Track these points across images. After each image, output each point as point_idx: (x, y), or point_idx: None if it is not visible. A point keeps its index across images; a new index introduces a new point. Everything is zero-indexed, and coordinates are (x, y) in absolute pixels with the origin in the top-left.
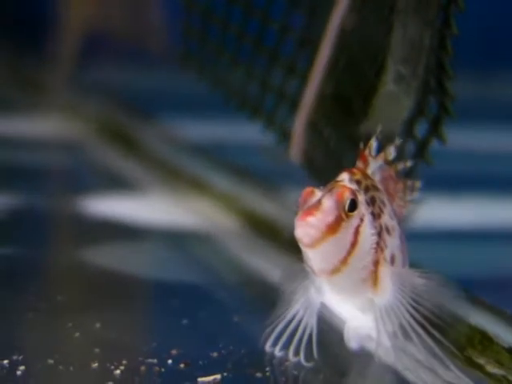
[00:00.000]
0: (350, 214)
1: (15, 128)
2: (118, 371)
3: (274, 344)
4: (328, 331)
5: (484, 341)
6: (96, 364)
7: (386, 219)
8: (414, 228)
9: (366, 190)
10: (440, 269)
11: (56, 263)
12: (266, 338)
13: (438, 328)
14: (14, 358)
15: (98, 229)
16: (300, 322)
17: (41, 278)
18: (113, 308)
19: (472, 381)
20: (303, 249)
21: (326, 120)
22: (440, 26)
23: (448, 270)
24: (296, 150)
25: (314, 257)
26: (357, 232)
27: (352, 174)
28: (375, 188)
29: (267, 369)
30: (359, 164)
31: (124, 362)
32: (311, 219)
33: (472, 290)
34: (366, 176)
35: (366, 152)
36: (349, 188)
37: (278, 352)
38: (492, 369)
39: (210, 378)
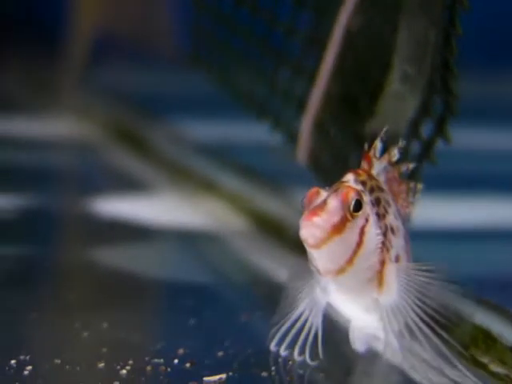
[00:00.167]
0: (355, 214)
1: (26, 129)
2: (124, 371)
3: (280, 344)
4: (333, 331)
5: (488, 340)
6: (103, 364)
7: (391, 219)
8: (417, 227)
9: (371, 190)
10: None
11: (65, 263)
12: (271, 337)
13: (443, 327)
14: (22, 357)
15: (108, 229)
16: (305, 321)
17: (50, 277)
18: (120, 308)
19: (478, 380)
20: (308, 249)
21: (332, 120)
22: (445, 26)
23: (451, 270)
24: (303, 150)
25: (319, 257)
26: (362, 232)
27: (357, 174)
28: (380, 189)
29: (273, 368)
30: (364, 165)
31: (130, 361)
32: (316, 219)
33: (476, 289)
34: (371, 177)
35: (371, 153)
36: (354, 188)
37: (283, 352)
38: (495, 368)
39: (216, 378)
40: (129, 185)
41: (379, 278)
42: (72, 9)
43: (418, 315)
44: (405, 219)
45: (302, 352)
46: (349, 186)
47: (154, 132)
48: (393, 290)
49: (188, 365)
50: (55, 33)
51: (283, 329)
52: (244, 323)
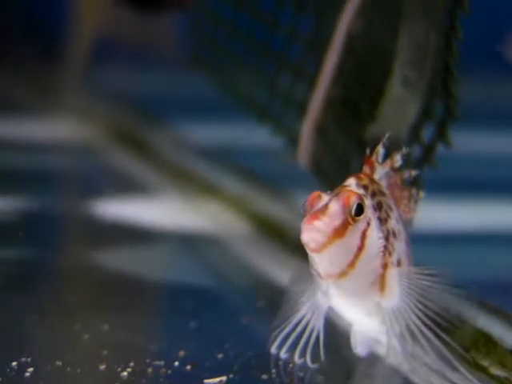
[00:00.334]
0: (357, 218)
1: (27, 131)
2: (125, 373)
3: (281, 347)
4: (334, 334)
5: (488, 343)
6: (104, 366)
7: (393, 224)
8: (419, 231)
9: (373, 195)
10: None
11: (66, 265)
12: (272, 340)
13: (445, 330)
14: (23, 359)
15: (109, 231)
16: (307, 325)
17: (51, 280)
18: (122, 310)
19: (479, 383)
20: (309, 253)
21: (333, 124)
22: (446, 29)
23: (452, 273)
24: (304, 153)
25: (321, 261)
26: (364, 236)
27: (359, 179)
28: (382, 193)
29: (273, 371)
30: (366, 169)
31: (131, 363)
32: (317, 223)
33: (477, 292)
34: (372, 181)
35: (373, 158)
36: (355, 193)
37: (284, 354)
38: (495, 371)
39: (216, 380)
40: (130, 187)
41: (381, 281)
42: (73, 10)
43: (419, 319)
44: (406, 224)
45: (302, 355)
46: (350, 190)
47: (156, 135)
48: (395, 294)
49: (189, 367)
50: (56, 34)
51: (284, 332)
52: (245, 326)
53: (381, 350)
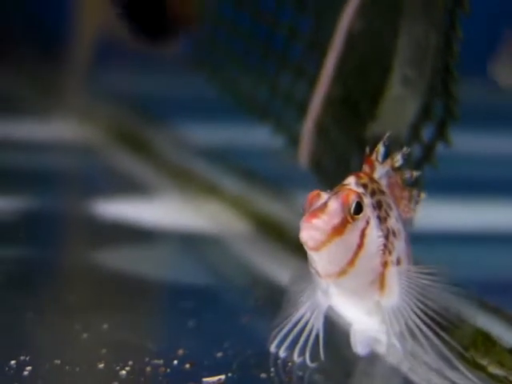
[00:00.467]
0: (356, 216)
1: (28, 131)
2: (123, 371)
3: (280, 345)
4: (334, 333)
5: (487, 342)
6: (102, 364)
7: (393, 222)
8: (419, 230)
9: (373, 193)
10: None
11: (67, 265)
12: (271, 339)
13: (444, 329)
14: (22, 358)
15: (109, 231)
16: (306, 324)
17: (51, 279)
18: (121, 309)
19: (479, 381)
20: (308, 251)
21: (333, 123)
22: (446, 29)
23: (452, 272)
24: (304, 153)
25: (319, 259)
26: (363, 234)
27: (359, 177)
28: (381, 192)
29: (272, 370)
30: (365, 168)
31: (130, 362)
32: (316, 221)
33: (476, 292)
34: (372, 180)
35: (373, 157)
36: (354, 191)
37: (283, 353)
38: (494, 370)
39: (215, 379)
40: (131, 187)
41: (381, 280)
42: (75, 11)
43: (419, 317)
44: (406, 223)
45: (301, 354)
46: (349, 189)
47: (156, 135)
48: (394, 293)
49: (187, 366)
50: (57, 34)
51: (284, 331)
52: (244, 325)
53: (381, 349)
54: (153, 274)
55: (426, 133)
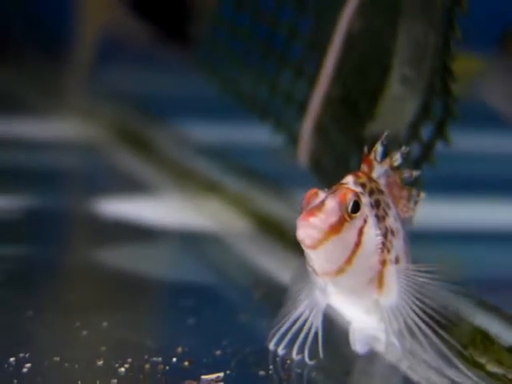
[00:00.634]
0: (353, 215)
1: (31, 130)
2: (122, 369)
3: (278, 343)
4: (333, 331)
5: (486, 340)
6: (101, 362)
7: (391, 221)
8: (417, 229)
9: (371, 192)
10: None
11: (68, 263)
12: (270, 337)
13: (443, 327)
14: (21, 355)
15: (111, 229)
16: (305, 322)
17: (53, 277)
18: (121, 307)
19: (478, 380)
20: (305, 250)
21: (333, 122)
22: (444, 28)
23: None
24: (304, 152)
25: (316, 257)
26: (360, 233)
27: (357, 176)
28: (380, 191)
29: (270, 367)
30: (364, 167)
31: (129, 359)
32: (313, 220)
33: (475, 290)
34: (370, 179)
35: (371, 156)
36: (352, 190)
37: (282, 351)
38: (492, 368)
39: (213, 376)
40: (132, 186)
41: (379, 279)
42: (77, 10)
43: (418, 316)
44: (405, 222)
45: (300, 352)
46: (347, 188)
47: (158, 133)
48: (393, 291)
49: (186, 363)
50: (60, 34)
51: (282, 329)
52: (243, 323)
53: (379, 348)
54: (153, 272)
55: (426, 132)
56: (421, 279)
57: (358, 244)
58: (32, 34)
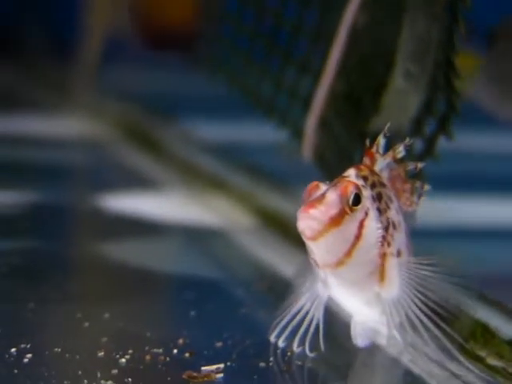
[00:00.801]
0: (354, 207)
1: (40, 127)
2: (123, 360)
3: (279, 336)
4: (334, 324)
5: (486, 334)
6: (102, 353)
7: (393, 214)
8: (423, 225)
9: (373, 185)
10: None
11: (74, 256)
12: (272, 329)
13: (444, 320)
14: (22, 346)
15: (116, 224)
16: (306, 314)
17: (58, 270)
18: (124, 300)
19: (479, 372)
20: (306, 241)
21: (337, 118)
22: (448, 23)
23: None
24: (308, 147)
25: (317, 249)
26: (361, 225)
27: (359, 169)
28: (382, 184)
29: (271, 359)
30: (366, 161)
31: (130, 351)
32: (313, 211)
33: (476, 284)
34: (373, 172)
35: (374, 149)
36: (353, 183)
37: (282, 343)
38: (492, 361)
39: (213, 367)
40: (138, 182)
41: (381, 272)
42: (85, 10)
43: (419, 309)
44: (408, 216)
45: (301, 344)
46: (348, 181)
47: (165, 131)
48: (394, 284)
49: (187, 355)
50: (68, 34)
51: (284, 321)
52: (245, 316)
53: (381, 341)
54: (157, 266)
55: (429, 127)
56: (422, 272)
57: (358, 237)
58: (41, 34)
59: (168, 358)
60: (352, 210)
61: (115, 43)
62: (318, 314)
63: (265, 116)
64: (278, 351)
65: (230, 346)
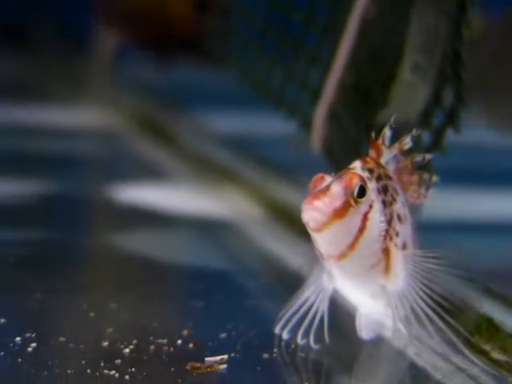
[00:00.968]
0: (359, 200)
1: (56, 119)
2: (127, 350)
3: (284, 327)
4: (339, 316)
5: (490, 328)
6: (106, 342)
7: (398, 207)
8: (430, 219)
9: (379, 178)
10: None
11: (85, 247)
12: (277, 321)
13: (449, 313)
14: (27, 335)
15: (129, 215)
16: (311, 306)
17: (67, 260)
18: (132, 290)
19: (484, 366)
20: (310, 233)
21: (345, 110)
22: (456, 16)
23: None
24: (317, 138)
25: (321, 241)
26: (365, 218)
27: (365, 162)
28: (388, 177)
29: (275, 350)
30: (372, 153)
31: (134, 341)
32: (317, 203)
33: (481, 278)
34: (379, 165)
35: (379, 141)
36: (358, 175)
37: (286, 335)
38: (497, 355)
39: (217, 358)
40: (151, 173)
41: (386, 264)
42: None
43: (424, 301)
44: (414, 209)
45: (305, 336)
46: (353, 173)
47: (178, 124)
48: (400, 277)
49: (191, 345)
50: (86, 29)
51: (289, 313)
52: (251, 307)
53: (386, 333)
54: (167, 256)
55: (437, 119)
56: (428, 265)
57: (362, 229)
58: (58, 28)
59: (172, 349)
60: (356, 202)
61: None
62: (323, 307)
63: (274, 108)
64: (283, 343)
65: (235, 338)
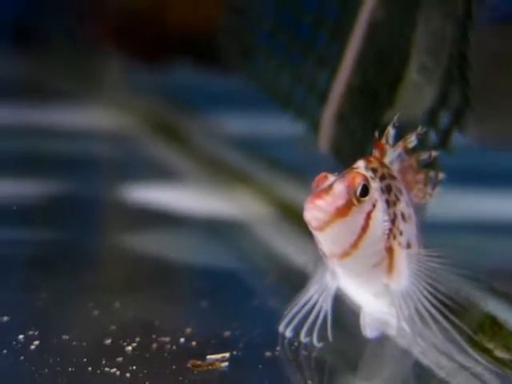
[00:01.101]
0: (362, 199)
1: (69, 120)
2: (129, 347)
3: (287, 326)
4: (343, 313)
5: (494, 326)
6: (109, 340)
7: (403, 207)
8: (435, 218)
9: (382, 177)
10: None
11: (95, 248)
12: (281, 320)
13: (453, 312)
14: (30, 333)
15: (140, 215)
16: (315, 305)
17: (75, 260)
18: (138, 289)
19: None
20: (313, 232)
21: (353, 111)
22: (462, 18)
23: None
24: (324, 140)
25: (324, 240)
26: (368, 217)
27: (368, 161)
28: (392, 176)
29: (277, 349)
30: (375, 152)
31: (137, 339)
32: (320, 202)
33: (487, 277)
34: (382, 164)
35: (383, 140)
36: (361, 174)
37: (289, 334)
38: (500, 353)
39: (219, 356)
40: (163, 174)
41: (389, 263)
42: None
43: (428, 300)
44: (418, 208)
45: (308, 334)
46: (356, 172)
47: (190, 125)
48: (403, 276)
49: (194, 343)
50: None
51: (293, 311)
52: (256, 306)
53: (390, 332)
54: (176, 256)
55: (443, 120)
56: (432, 264)
57: (364, 228)
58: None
59: (174, 347)
60: (359, 202)
61: None
62: (327, 306)
63: (282, 109)
64: (286, 341)
65: (238, 336)
